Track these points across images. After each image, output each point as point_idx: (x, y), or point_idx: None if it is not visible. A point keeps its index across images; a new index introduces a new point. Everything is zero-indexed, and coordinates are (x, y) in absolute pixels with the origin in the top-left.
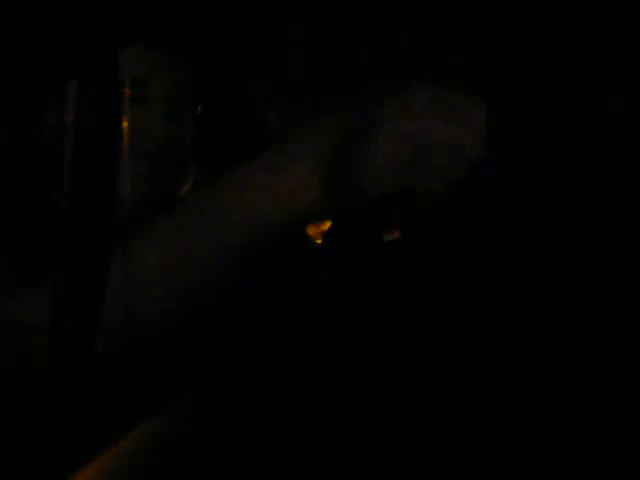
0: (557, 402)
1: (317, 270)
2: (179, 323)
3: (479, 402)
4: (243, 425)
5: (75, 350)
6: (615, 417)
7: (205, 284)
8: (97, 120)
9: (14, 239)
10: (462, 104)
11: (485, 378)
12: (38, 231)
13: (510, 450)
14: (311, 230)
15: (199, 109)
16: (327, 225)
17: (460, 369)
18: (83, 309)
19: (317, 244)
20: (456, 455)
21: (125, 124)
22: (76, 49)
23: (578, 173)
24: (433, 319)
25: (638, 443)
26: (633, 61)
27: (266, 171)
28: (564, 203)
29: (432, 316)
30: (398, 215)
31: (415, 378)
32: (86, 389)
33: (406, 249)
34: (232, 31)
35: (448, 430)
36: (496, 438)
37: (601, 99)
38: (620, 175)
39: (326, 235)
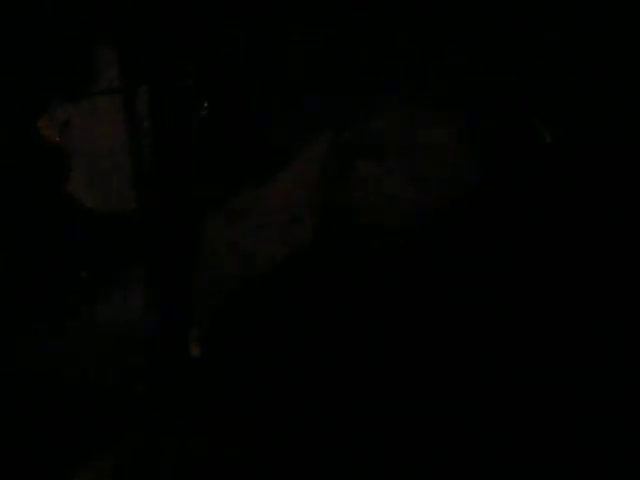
0: (557, 402)
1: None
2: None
3: (479, 402)
4: (244, 424)
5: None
6: (614, 416)
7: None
8: (176, 123)
9: (14, 239)
10: (429, 131)
11: (485, 378)
12: (41, 231)
13: (510, 450)
14: None
15: (202, 109)
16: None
17: (460, 369)
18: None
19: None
20: (456, 455)
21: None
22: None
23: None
24: (433, 320)
25: (637, 442)
26: (633, 61)
27: None
28: (563, 203)
29: (432, 317)
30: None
31: (415, 378)
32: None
33: (406, 251)
34: (232, 31)
35: (448, 430)
36: (496, 438)
37: (601, 99)
38: None
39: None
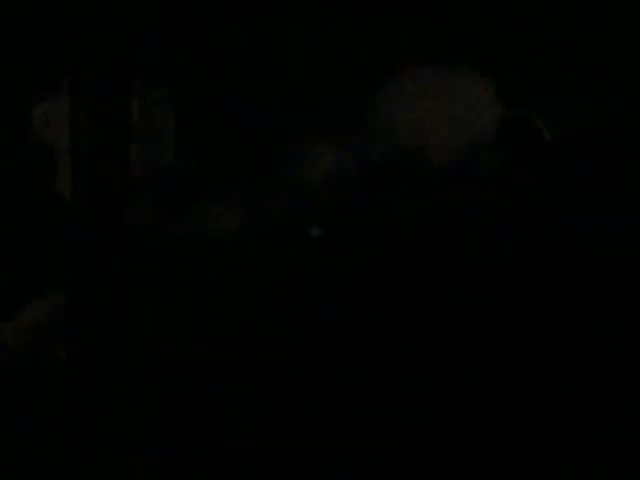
0: (557, 402)
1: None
2: None
3: (479, 402)
4: (244, 423)
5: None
6: (614, 417)
7: None
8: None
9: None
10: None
11: (485, 379)
12: (39, 231)
13: (509, 449)
14: None
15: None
16: None
17: (460, 370)
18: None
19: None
20: (456, 455)
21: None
22: (87, 49)
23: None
24: (435, 318)
25: (637, 441)
26: (633, 61)
27: None
28: (563, 202)
29: (434, 315)
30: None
31: (414, 378)
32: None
33: (407, 250)
34: (232, 31)
35: (448, 430)
36: (495, 436)
37: (601, 99)
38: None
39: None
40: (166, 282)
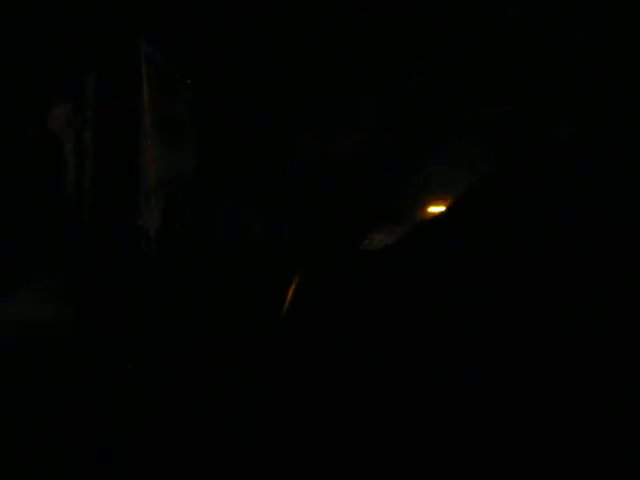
0: (556, 401)
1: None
2: None
3: (478, 402)
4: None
5: None
6: (614, 416)
7: None
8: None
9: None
10: None
11: (485, 378)
12: (38, 228)
13: (509, 450)
14: None
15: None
16: None
17: (459, 370)
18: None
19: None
20: (454, 455)
21: None
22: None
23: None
24: (433, 319)
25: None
26: (633, 61)
27: None
28: (563, 200)
29: (432, 316)
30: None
31: (414, 378)
32: None
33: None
34: (232, 31)
35: (447, 429)
36: (495, 438)
37: (601, 99)
38: None
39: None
40: (166, 282)
